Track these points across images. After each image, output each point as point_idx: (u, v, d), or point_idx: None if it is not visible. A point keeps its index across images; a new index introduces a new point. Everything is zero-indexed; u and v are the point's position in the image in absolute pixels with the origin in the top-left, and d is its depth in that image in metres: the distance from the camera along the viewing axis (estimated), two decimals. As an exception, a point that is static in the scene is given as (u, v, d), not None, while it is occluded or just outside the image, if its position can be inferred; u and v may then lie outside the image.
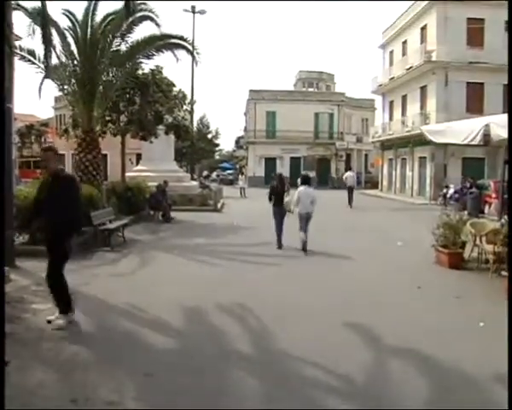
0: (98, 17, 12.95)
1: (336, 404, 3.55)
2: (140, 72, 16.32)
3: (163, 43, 13.63)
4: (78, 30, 12.79)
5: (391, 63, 34.30)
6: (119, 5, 12.28)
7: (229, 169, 57.87)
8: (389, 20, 68.77)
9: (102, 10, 13.21)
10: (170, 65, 32.94)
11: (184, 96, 22.10)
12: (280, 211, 10.54)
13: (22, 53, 11.99)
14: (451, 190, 22.00)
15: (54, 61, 12.05)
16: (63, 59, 12.98)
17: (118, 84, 13.92)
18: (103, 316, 5.52)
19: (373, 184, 40.10)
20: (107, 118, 17.02)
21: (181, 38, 13.88)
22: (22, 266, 7.59)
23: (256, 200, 12.77)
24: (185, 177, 24.35)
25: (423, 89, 28.76)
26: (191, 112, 28.35)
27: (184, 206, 18.48)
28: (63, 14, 12.76)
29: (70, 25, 12.74)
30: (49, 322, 4.87)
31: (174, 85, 19.53)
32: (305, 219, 10.16)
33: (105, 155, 22.06)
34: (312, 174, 40.27)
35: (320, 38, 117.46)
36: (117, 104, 16.52)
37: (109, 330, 5.09)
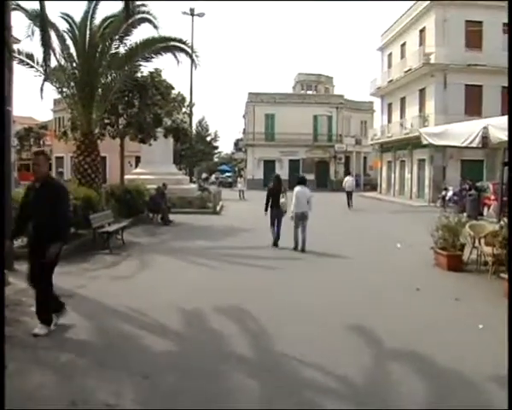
0: (97, 20, 13.00)
1: (335, 406, 3.55)
2: (139, 74, 16.31)
3: (162, 45, 13.64)
4: (77, 33, 12.80)
5: (389, 66, 34.38)
6: (118, 8, 12.34)
7: (228, 172, 57.94)
8: (388, 22, 69.02)
9: (101, 13, 13.26)
10: (169, 67, 33.14)
11: (183, 99, 22.15)
12: (277, 212, 10.76)
13: (21, 57, 11.98)
14: (450, 193, 22.03)
15: (53, 63, 12.07)
16: (62, 62, 12.98)
17: (117, 86, 13.92)
18: (102, 319, 5.50)
19: (372, 186, 40.17)
20: (106, 120, 17.03)
21: (180, 40, 13.90)
22: (21, 269, 7.54)
23: (255, 202, 12.78)
24: (184, 179, 24.37)
25: (422, 91, 28.81)
26: (190, 114, 28.34)
27: (183, 208, 18.50)
28: (61, 17, 12.78)
29: (68, 27, 12.75)
30: (35, 336, 4.72)
31: (173, 88, 19.55)
32: (301, 219, 10.27)
33: (104, 158, 22.07)
34: (311, 177, 40.53)
35: (319, 41, 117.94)
36: (116, 107, 16.52)
37: (108, 332, 5.07)
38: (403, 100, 31.87)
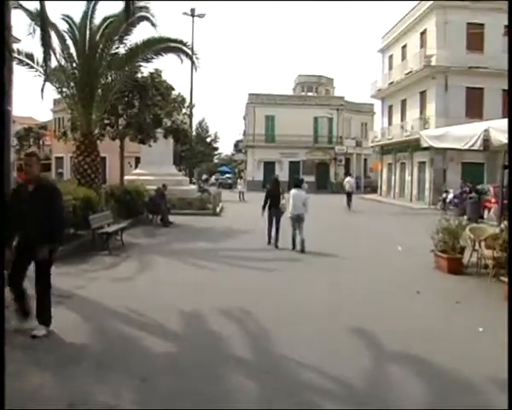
0: (97, 20, 12.98)
1: (335, 407, 3.55)
2: (139, 75, 16.30)
3: (162, 46, 13.63)
4: (77, 33, 12.78)
5: (390, 68, 34.38)
6: (118, 8, 12.32)
7: (228, 173, 57.94)
8: (389, 24, 69.19)
9: (101, 13, 13.25)
10: (169, 68, 33.13)
11: (183, 100, 22.15)
12: (275, 212, 10.96)
13: (20, 57, 11.95)
14: (451, 195, 22.00)
15: (53, 64, 12.04)
16: (62, 62, 12.97)
17: (117, 87, 13.91)
18: (101, 320, 5.47)
19: (372, 188, 40.14)
20: (106, 121, 17.02)
21: (180, 42, 13.89)
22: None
23: (255, 204, 12.78)
24: (184, 180, 24.34)
25: (423, 93, 28.81)
26: (190, 115, 28.33)
27: (183, 210, 18.47)
28: (62, 19, 12.77)
29: (68, 27, 12.73)
30: (33, 337, 4.70)
31: (173, 89, 19.55)
32: (296, 221, 10.42)
33: (104, 158, 22.02)
34: (311, 179, 40.55)
35: (319, 42, 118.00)
36: (116, 107, 16.50)
37: (107, 333, 5.05)
38: (403, 102, 31.87)
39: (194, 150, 35.06)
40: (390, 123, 34.46)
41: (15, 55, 11.49)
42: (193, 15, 28.17)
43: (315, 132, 45.32)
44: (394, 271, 8.72)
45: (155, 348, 4.60)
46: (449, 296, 6.83)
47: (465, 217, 14.25)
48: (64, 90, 13.34)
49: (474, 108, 25.50)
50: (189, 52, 14.16)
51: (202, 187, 29.90)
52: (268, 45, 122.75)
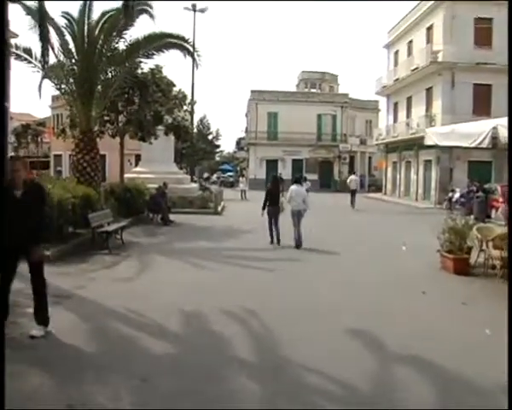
0: (96, 15, 12.81)
1: (337, 407, 3.55)
2: (139, 71, 16.13)
3: (163, 42, 13.44)
4: (76, 28, 12.61)
5: (396, 64, 34.02)
6: (117, 3, 12.14)
7: (230, 171, 57.46)
8: (394, 19, 68.63)
9: (100, 7, 13.06)
10: (170, 64, 32.95)
11: (184, 97, 21.93)
12: (274, 210, 11.20)
13: (18, 52, 11.82)
14: (457, 194, 21.72)
15: (51, 59, 11.89)
16: (61, 57, 12.83)
17: (116, 83, 13.75)
18: (100, 320, 5.43)
19: (377, 187, 39.85)
20: (106, 118, 16.87)
21: (182, 38, 13.68)
22: (19, 270, 7.40)
23: (257, 203, 12.70)
24: (185, 179, 24.19)
25: (429, 90, 28.43)
26: (191, 112, 28.09)
27: (184, 208, 18.29)
28: (62, 16, 12.61)
29: (67, 22, 12.55)
30: (32, 337, 4.71)
31: (174, 85, 19.37)
32: (296, 217, 10.78)
33: (103, 156, 21.95)
34: (315, 177, 40.33)
35: (323, 38, 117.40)
36: (115, 104, 16.33)
37: (106, 334, 5.03)
38: (409, 99, 31.52)
39: (195, 148, 34.89)
40: (395, 120, 34.14)
41: (13, 49, 11.36)
42: (194, 10, 27.98)
43: (318, 130, 44.93)
44: (399, 271, 8.63)
45: (155, 349, 4.58)
46: (455, 297, 6.77)
47: (472, 216, 14.05)
48: (63, 86, 13.22)
49: (481, 105, 25.09)
50: (191, 49, 13.98)
51: (203, 185, 29.70)
52: (271, 41, 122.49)
